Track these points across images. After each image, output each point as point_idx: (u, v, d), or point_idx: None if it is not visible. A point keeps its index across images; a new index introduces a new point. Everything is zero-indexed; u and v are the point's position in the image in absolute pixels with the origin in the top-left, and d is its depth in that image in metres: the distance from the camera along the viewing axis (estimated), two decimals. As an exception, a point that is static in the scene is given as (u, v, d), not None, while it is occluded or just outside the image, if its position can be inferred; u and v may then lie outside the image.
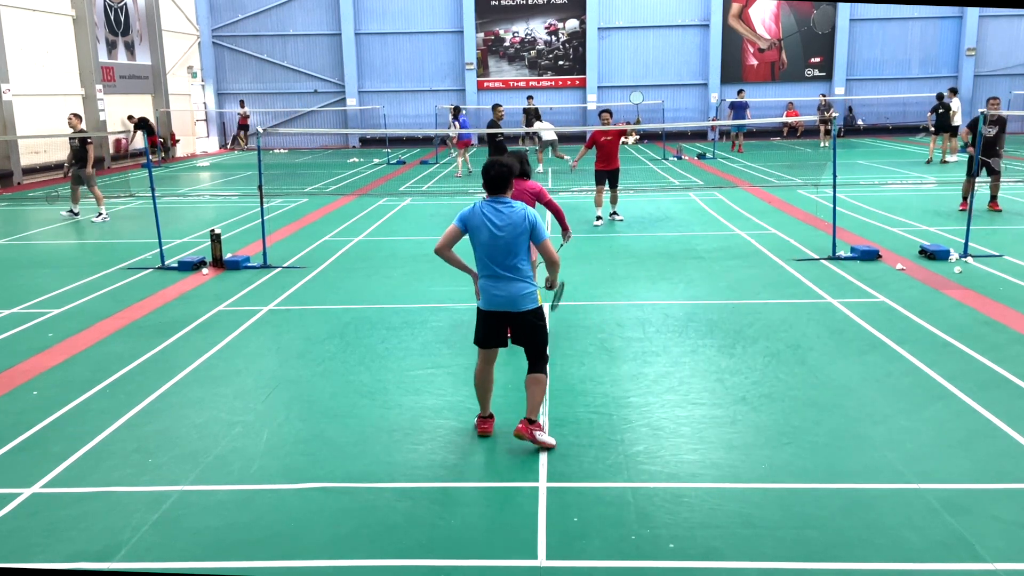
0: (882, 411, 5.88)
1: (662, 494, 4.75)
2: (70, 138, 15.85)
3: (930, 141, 22.91)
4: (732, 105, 27.05)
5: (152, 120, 28.33)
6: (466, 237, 5.44)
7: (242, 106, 33.62)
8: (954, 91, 23.20)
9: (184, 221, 15.50)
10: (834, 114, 12.15)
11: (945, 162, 22.04)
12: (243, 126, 33.59)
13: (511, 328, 5.50)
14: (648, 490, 4.79)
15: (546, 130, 21.94)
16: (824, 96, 30.36)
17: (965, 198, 13.61)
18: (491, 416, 5.68)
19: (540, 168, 21.76)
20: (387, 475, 5.06)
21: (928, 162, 22.32)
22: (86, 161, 15.52)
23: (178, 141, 31.44)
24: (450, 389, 6.47)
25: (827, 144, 27.11)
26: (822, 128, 28.47)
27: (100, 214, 15.71)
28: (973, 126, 13.59)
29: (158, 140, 27.50)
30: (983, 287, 9.23)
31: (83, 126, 16.28)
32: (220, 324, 8.41)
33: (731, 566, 4.08)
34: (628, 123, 31.00)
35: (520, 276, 5.34)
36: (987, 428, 5.57)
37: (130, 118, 27.60)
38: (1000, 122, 13.97)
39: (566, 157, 19.98)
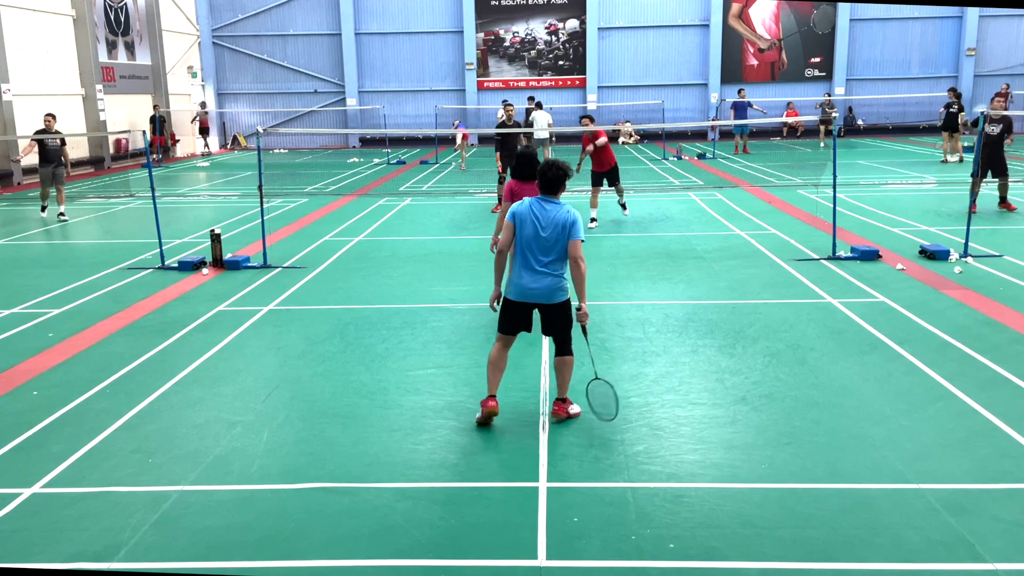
0: (882, 411, 5.88)
1: (662, 494, 4.75)
2: (48, 139, 15.80)
3: (942, 141, 22.85)
4: (734, 105, 26.89)
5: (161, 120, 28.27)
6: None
7: (202, 107, 32.63)
8: (955, 92, 23.16)
9: (184, 221, 15.50)
10: (834, 114, 12.12)
11: (951, 161, 21.99)
12: (204, 129, 32.16)
13: (542, 318, 5.78)
14: (648, 490, 4.79)
15: (540, 130, 21.37)
16: (829, 96, 30.17)
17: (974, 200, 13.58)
18: (496, 399, 5.74)
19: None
20: (387, 475, 5.06)
21: (944, 162, 22.28)
22: (66, 162, 15.96)
23: (178, 141, 31.42)
24: (450, 389, 6.47)
25: (827, 144, 27.08)
26: (822, 128, 28.40)
27: (61, 213, 16.11)
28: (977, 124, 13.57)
29: (163, 140, 27.37)
30: (983, 287, 9.23)
31: (58, 126, 16.41)
32: (220, 324, 8.42)
33: (731, 566, 4.08)
34: (628, 122, 31.00)
35: (555, 272, 5.62)
36: (987, 428, 5.57)
37: (156, 107, 27.44)
38: (1003, 120, 13.92)
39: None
